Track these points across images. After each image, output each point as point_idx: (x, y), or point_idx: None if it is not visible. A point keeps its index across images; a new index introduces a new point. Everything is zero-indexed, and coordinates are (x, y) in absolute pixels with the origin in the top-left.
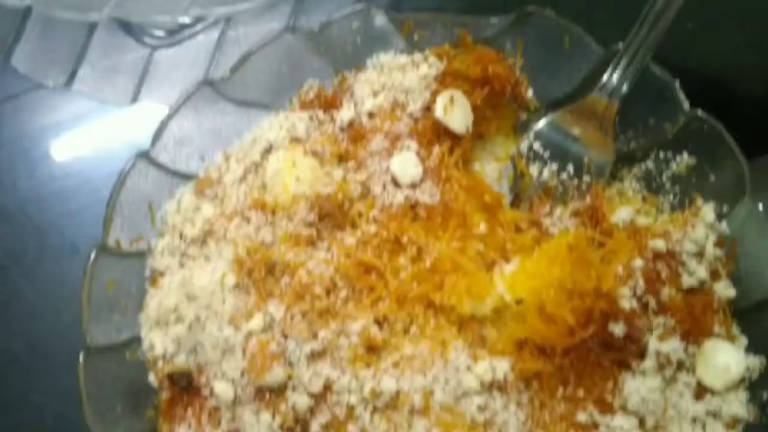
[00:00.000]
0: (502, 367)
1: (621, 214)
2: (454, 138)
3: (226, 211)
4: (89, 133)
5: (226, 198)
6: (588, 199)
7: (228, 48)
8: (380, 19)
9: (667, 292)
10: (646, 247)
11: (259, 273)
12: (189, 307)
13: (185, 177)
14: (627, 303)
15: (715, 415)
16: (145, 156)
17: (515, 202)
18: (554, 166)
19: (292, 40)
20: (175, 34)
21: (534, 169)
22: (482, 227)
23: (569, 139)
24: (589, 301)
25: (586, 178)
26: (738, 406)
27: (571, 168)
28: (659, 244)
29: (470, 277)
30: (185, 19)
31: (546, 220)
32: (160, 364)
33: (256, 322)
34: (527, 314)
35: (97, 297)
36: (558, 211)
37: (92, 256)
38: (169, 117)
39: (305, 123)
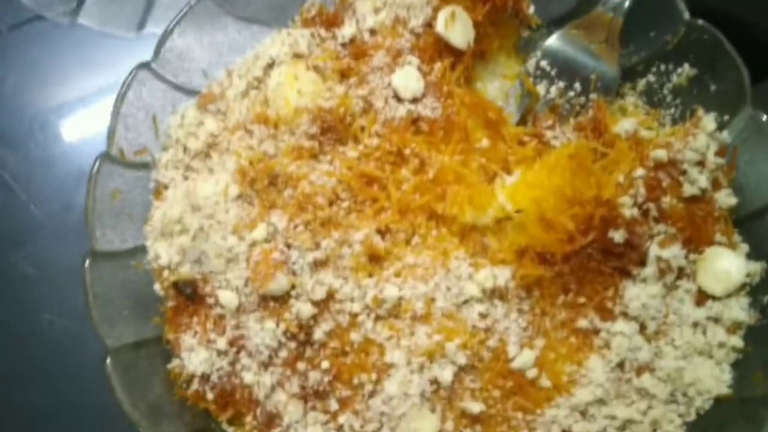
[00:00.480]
0: (503, 274)
1: (624, 125)
2: (456, 54)
3: (229, 125)
4: (95, 62)
5: (229, 112)
6: (591, 113)
7: None
8: None
9: (668, 200)
10: (648, 157)
11: (262, 183)
12: (193, 217)
13: (188, 92)
14: (628, 211)
15: (716, 319)
16: (146, 67)
17: (522, 122)
18: (561, 84)
19: None
20: None
21: (541, 88)
22: (485, 142)
23: (579, 53)
24: (590, 208)
25: (593, 96)
26: (739, 310)
27: (578, 86)
28: (661, 154)
29: (472, 188)
30: None
31: (548, 133)
32: (165, 273)
33: (260, 231)
34: (527, 223)
35: (101, 204)
36: (562, 126)
37: (97, 162)
38: (171, 29)
39: (307, 39)
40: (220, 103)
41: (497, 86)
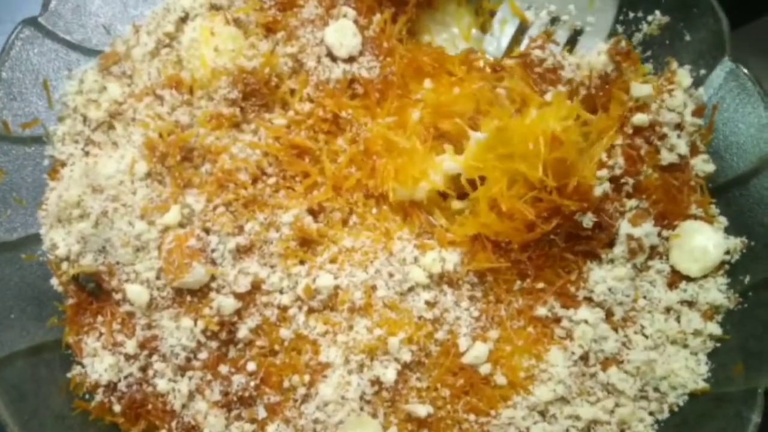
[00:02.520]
0: (452, 258)
1: (640, 90)
2: (398, 4)
3: (135, 90)
4: None
5: (135, 75)
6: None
7: None
8: None
9: (644, 170)
10: (628, 122)
11: (174, 159)
12: (94, 200)
13: (88, 52)
14: (599, 188)
15: (690, 303)
16: (34, 23)
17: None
18: (553, 8)
19: None
20: None
21: (530, 14)
22: (427, 83)
23: None
24: (556, 196)
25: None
26: (716, 292)
27: (572, 7)
28: (642, 119)
29: (404, 157)
30: None
31: (535, 53)
32: (64, 266)
33: (172, 215)
34: (477, 206)
35: None
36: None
37: None
38: None
39: None
40: (126, 65)
41: (446, 38)
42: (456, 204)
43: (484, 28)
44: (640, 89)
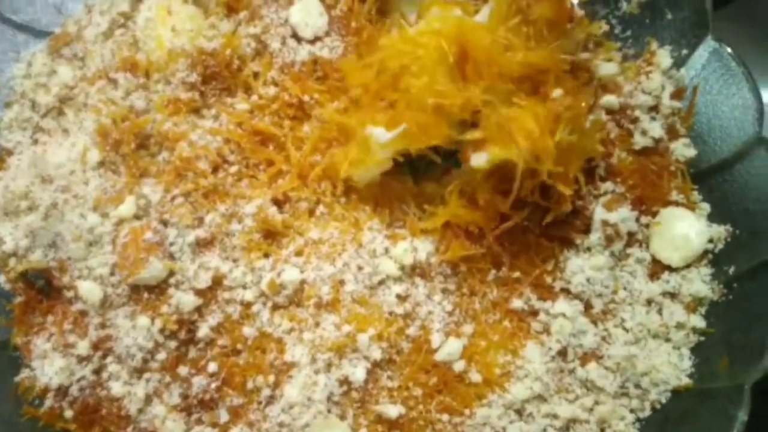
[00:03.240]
0: (424, 248)
1: (606, 68)
2: None
3: (88, 74)
4: None
5: (88, 57)
6: None
7: None
8: None
9: (617, 153)
10: (596, 104)
11: (129, 147)
12: (44, 191)
13: (37, 33)
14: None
15: (673, 295)
16: None
17: None
18: None
19: None
20: None
21: None
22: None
23: None
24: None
25: None
26: (700, 283)
27: None
28: (611, 101)
29: (354, 140)
30: None
31: None
32: (11, 262)
33: (127, 206)
34: (452, 195)
35: None
36: None
37: None
38: None
39: None
40: (77, 47)
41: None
42: (431, 187)
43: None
44: (605, 68)
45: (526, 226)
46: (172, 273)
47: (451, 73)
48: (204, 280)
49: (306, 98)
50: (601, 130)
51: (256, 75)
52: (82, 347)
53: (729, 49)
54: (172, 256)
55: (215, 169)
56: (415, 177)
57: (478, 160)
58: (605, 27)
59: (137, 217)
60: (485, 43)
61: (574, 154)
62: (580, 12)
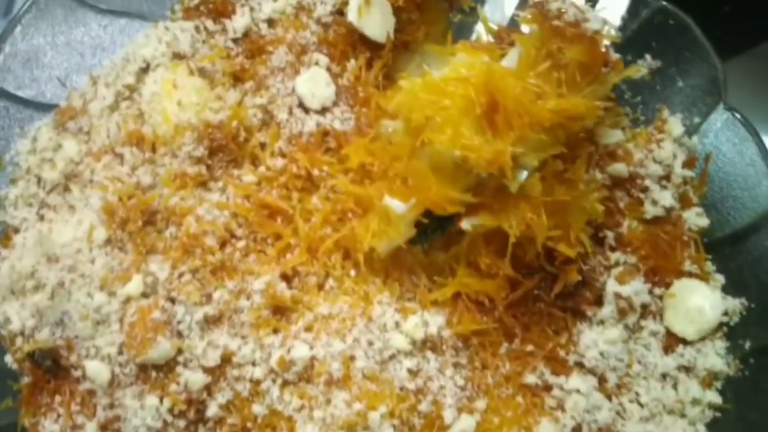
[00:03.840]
0: (435, 321)
1: (611, 136)
2: (373, 48)
3: (93, 148)
4: None
5: (93, 131)
6: None
7: None
8: None
9: (627, 223)
10: (603, 171)
11: (136, 224)
12: (50, 270)
13: (41, 107)
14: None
15: (688, 369)
16: None
17: None
18: None
19: None
20: None
21: None
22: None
23: None
24: (533, 250)
25: None
26: (715, 357)
27: None
28: (620, 169)
29: (373, 212)
30: None
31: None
32: (18, 341)
33: (134, 285)
34: (460, 264)
35: None
36: None
37: None
38: (10, 29)
39: (190, 35)
40: (82, 120)
41: None
42: (441, 256)
43: None
44: (611, 135)
45: (537, 295)
46: (180, 351)
47: (478, 124)
48: (212, 358)
49: (315, 172)
50: (599, 189)
51: (263, 146)
52: (90, 428)
53: (741, 118)
54: (180, 334)
55: (223, 244)
56: (423, 239)
57: (467, 224)
58: (644, 71)
59: (145, 294)
60: (516, 91)
61: (572, 215)
62: (615, 56)
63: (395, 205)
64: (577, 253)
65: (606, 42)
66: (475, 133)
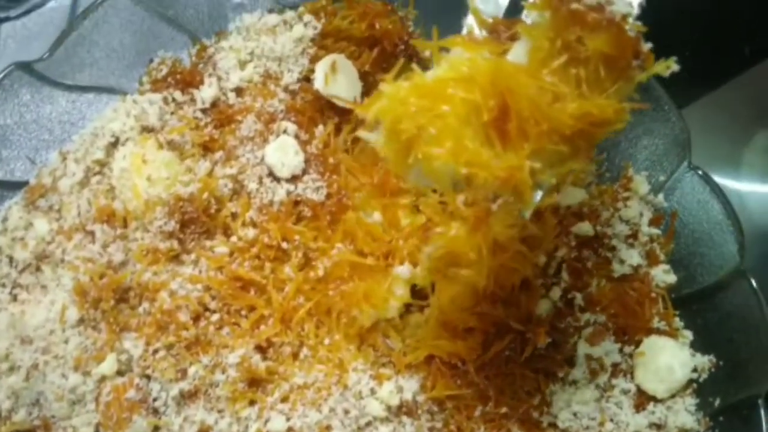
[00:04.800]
0: (410, 386)
1: (573, 195)
2: (341, 113)
3: (64, 226)
4: None
5: (64, 209)
6: None
7: None
8: None
9: (595, 282)
10: (568, 234)
11: (108, 303)
12: (24, 352)
13: (11, 186)
14: (545, 305)
15: (659, 427)
16: None
17: None
18: None
19: (129, 3)
20: (18, 2)
21: None
22: (376, 216)
23: None
24: (501, 310)
25: None
26: (686, 415)
27: None
28: (585, 228)
29: (369, 279)
30: None
31: None
32: None
33: (108, 364)
34: (431, 325)
35: None
36: None
37: None
38: None
39: (158, 107)
40: (53, 198)
41: None
42: (415, 318)
43: None
44: (572, 195)
45: (509, 357)
46: (157, 428)
47: (484, 134)
48: None
49: (284, 245)
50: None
51: (234, 216)
52: None
53: (702, 174)
54: (156, 411)
55: (197, 319)
56: None
57: (402, 270)
58: (674, 67)
59: (120, 372)
60: (531, 91)
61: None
62: (646, 46)
63: (401, 271)
64: (546, 316)
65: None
66: (481, 146)
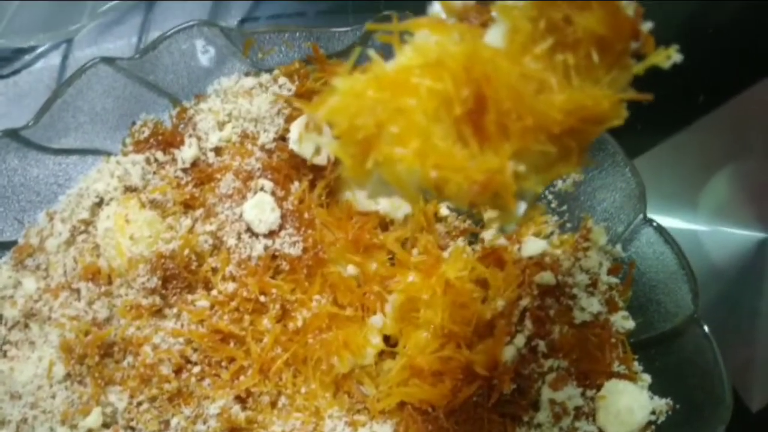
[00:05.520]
0: (384, 431)
1: (533, 245)
2: (316, 169)
3: (51, 284)
4: None
5: (51, 267)
6: None
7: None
8: (217, 39)
9: (557, 329)
10: (531, 283)
11: (93, 358)
12: (13, 407)
13: (0, 246)
14: (510, 352)
15: None
16: None
17: None
18: None
19: (109, 71)
20: (9, 61)
21: None
22: (350, 269)
23: None
24: (466, 354)
25: None
26: None
27: None
28: (547, 278)
29: (346, 329)
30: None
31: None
32: None
33: (94, 417)
34: (400, 370)
35: None
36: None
37: None
38: None
39: (141, 167)
40: (40, 257)
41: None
42: (387, 364)
43: None
44: (534, 246)
45: (477, 402)
46: None
47: (457, 131)
48: None
49: (262, 298)
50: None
51: (214, 270)
52: None
53: (658, 225)
54: None
55: (179, 371)
56: None
57: (376, 320)
58: (676, 56)
59: (105, 425)
60: (512, 79)
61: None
62: (646, 26)
63: (374, 320)
64: (512, 362)
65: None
66: (453, 145)
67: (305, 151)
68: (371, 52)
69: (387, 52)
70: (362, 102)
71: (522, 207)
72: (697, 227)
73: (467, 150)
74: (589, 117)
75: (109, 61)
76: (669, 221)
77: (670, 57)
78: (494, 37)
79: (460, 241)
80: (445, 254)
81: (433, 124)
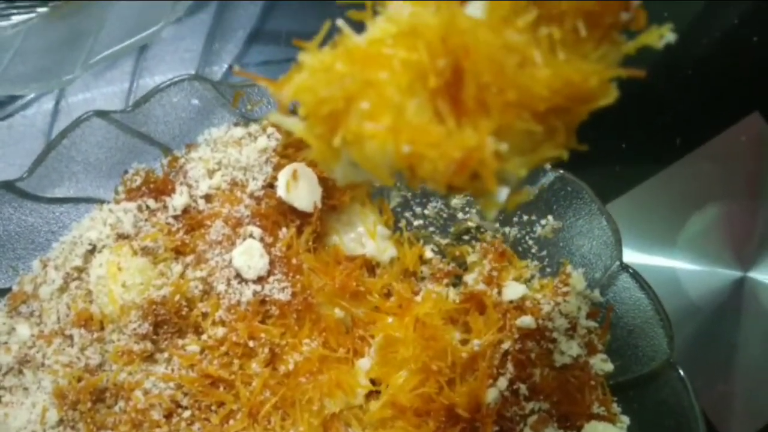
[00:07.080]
0: None
1: (514, 290)
2: (303, 215)
3: (45, 331)
4: None
5: (44, 314)
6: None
7: (67, 117)
8: (207, 92)
9: (538, 371)
10: (511, 327)
11: (85, 404)
12: None
13: None
14: (493, 394)
15: None
16: None
17: None
18: None
19: (102, 123)
20: (3, 106)
21: None
22: (338, 312)
23: None
24: (449, 396)
25: None
26: None
27: None
28: (528, 321)
29: (337, 370)
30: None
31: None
32: None
33: None
34: (384, 408)
35: None
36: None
37: None
38: None
39: (133, 215)
40: (34, 304)
41: (353, 237)
42: (373, 405)
43: (388, 225)
44: (514, 290)
45: None
46: None
47: (433, 105)
48: None
49: (251, 343)
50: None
51: (205, 315)
52: None
53: (634, 272)
54: None
55: (169, 415)
56: None
57: (364, 362)
58: (669, 36)
59: None
60: (493, 51)
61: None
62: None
63: (362, 363)
64: (495, 404)
65: None
66: (429, 122)
67: (293, 198)
68: (341, 23)
69: (359, 28)
70: (331, 77)
71: (504, 193)
72: (676, 265)
73: (444, 126)
74: (576, 95)
75: (102, 114)
76: (648, 259)
77: (663, 36)
78: (474, 9)
79: (443, 283)
80: (418, 298)
81: (407, 98)
